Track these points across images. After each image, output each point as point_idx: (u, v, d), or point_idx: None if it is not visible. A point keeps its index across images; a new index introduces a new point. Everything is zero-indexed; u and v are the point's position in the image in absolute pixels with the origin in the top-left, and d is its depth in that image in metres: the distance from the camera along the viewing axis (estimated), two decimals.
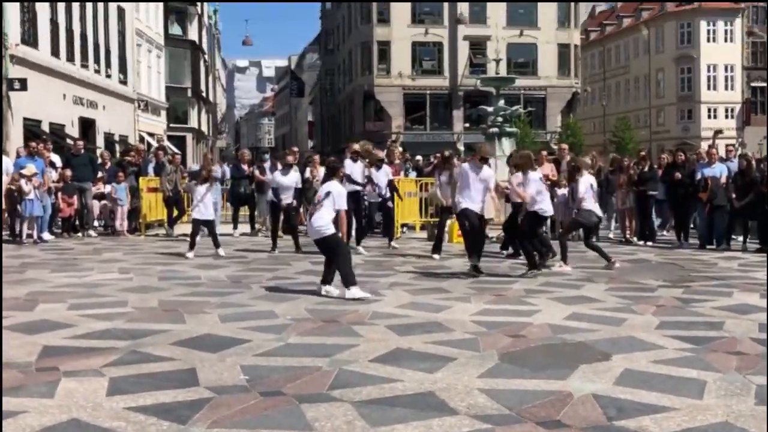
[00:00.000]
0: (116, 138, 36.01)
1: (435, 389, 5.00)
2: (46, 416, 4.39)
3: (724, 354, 6.03)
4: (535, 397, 4.84)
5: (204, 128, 65.75)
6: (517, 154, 12.11)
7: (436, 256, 12.70)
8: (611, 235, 16.63)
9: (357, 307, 7.98)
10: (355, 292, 8.48)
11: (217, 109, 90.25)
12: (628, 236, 15.80)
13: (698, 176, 14.39)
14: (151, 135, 42.98)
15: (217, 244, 12.89)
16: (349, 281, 8.56)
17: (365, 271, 10.98)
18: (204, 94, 64.36)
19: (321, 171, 16.74)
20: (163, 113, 48.42)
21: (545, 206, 11.15)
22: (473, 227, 10.66)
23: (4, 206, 14.62)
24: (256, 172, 16.62)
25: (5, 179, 14.89)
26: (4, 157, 15.83)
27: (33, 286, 9.22)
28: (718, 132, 34.33)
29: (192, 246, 12.64)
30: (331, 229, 8.76)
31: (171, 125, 52.10)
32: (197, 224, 12.87)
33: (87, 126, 32.45)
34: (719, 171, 14.40)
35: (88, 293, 8.78)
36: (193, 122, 58.93)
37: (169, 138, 50.15)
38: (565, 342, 6.47)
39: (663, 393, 4.93)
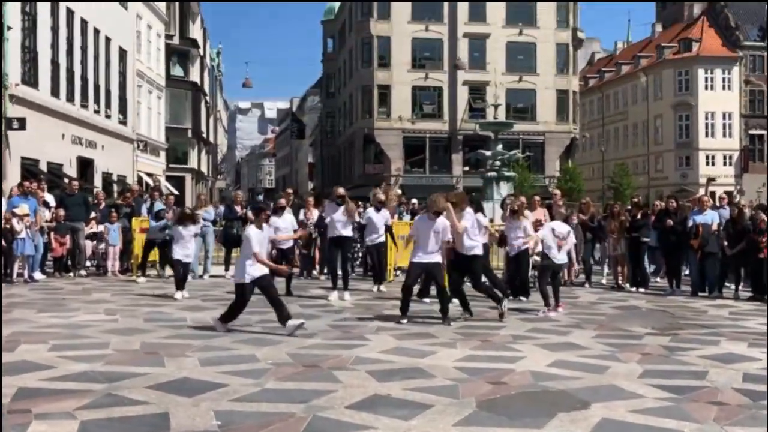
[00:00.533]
0: (114, 178, 36.16)
1: None
2: None
3: (704, 404, 5.98)
4: None
5: (204, 169, 66.00)
6: (452, 193, 12.07)
7: (426, 300, 12.66)
8: (604, 281, 16.58)
9: (340, 352, 7.94)
10: (291, 324, 9.04)
11: (217, 150, 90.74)
12: (620, 282, 15.77)
13: (690, 223, 14.40)
14: (149, 175, 43.15)
15: (182, 286, 12.80)
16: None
17: (353, 315, 10.96)
18: (204, 135, 64.74)
19: (315, 213, 16.86)
20: (163, 153, 48.65)
21: (475, 244, 10.89)
22: (407, 284, 10.47)
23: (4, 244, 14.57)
24: (249, 214, 16.60)
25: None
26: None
27: (17, 327, 9.17)
28: (711, 180, 34.48)
29: (179, 287, 12.64)
30: (258, 271, 9.10)
31: (170, 165, 52.33)
32: (179, 264, 12.76)
33: (85, 165, 32.59)
34: (711, 218, 14.41)
35: (72, 334, 8.73)
36: (192, 163, 59.22)
37: (168, 178, 50.37)
38: (546, 390, 6.42)
39: None
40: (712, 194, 17.79)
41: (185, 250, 12.69)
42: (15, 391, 5.93)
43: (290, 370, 7.00)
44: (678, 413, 5.67)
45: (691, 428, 5.27)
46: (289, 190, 18.99)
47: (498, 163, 35.16)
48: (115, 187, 34.68)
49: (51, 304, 11.48)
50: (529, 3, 59.99)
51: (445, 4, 59.75)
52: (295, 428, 5.09)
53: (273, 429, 5.06)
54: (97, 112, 33.77)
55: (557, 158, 60.85)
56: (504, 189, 33.20)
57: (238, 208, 17.04)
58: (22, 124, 24.54)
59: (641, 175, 68.02)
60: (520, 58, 60.26)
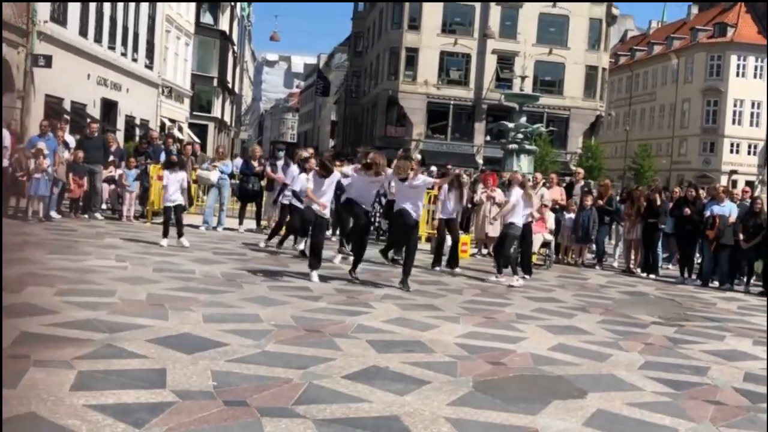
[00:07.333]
0: (137, 121, 36.22)
1: (401, 413, 4.95)
2: (5, 407, 4.34)
3: (701, 402, 5.94)
4: None
5: (227, 118, 65.89)
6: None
7: (437, 268, 12.79)
8: (615, 264, 16.54)
9: (343, 318, 7.95)
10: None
11: (242, 101, 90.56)
12: (632, 267, 15.70)
13: (707, 214, 14.27)
14: (172, 121, 43.18)
15: (180, 233, 13.03)
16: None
17: (363, 278, 10.88)
18: (230, 85, 64.51)
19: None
20: (187, 101, 48.61)
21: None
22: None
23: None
24: (268, 170, 16.51)
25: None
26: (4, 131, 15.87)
27: (27, 267, 9.23)
28: (733, 172, 34.38)
29: (165, 234, 12.99)
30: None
31: (194, 113, 52.30)
32: (167, 210, 13.25)
33: (109, 107, 32.67)
34: (729, 210, 14.28)
35: (79, 279, 8.78)
36: (216, 112, 59.10)
37: (191, 126, 50.41)
38: (544, 374, 6.40)
39: None
40: (734, 183, 17.62)
41: (170, 195, 13.06)
42: (17, 334, 5.97)
43: (292, 333, 7.01)
44: (674, 410, 5.63)
45: (687, 427, 5.24)
46: (310, 150, 18.92)
47: (520, 135, 34.85)
48: (138, 131, 34.74)
49: (63, 246, 11.56)
50: None
51: None
52: (289, 395, 5.10)
53: (267, 394, 5.06)
54: (123, 54, 33.73)
55: (581, 135, 60.22)
56: (524, 162, 32.99)
57: (255, 164, 16.99)
58: (48, 61, 24.57)
59: (664, 157, 67.30)
60: (552, 30, 59.37)
